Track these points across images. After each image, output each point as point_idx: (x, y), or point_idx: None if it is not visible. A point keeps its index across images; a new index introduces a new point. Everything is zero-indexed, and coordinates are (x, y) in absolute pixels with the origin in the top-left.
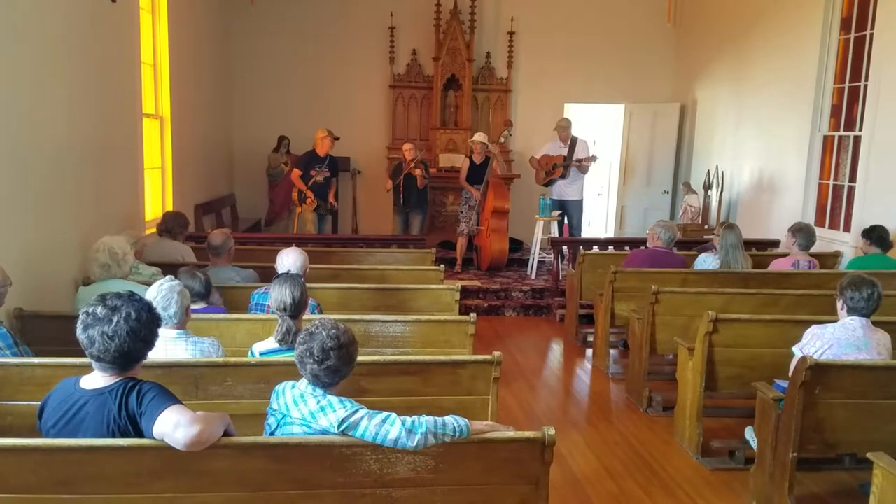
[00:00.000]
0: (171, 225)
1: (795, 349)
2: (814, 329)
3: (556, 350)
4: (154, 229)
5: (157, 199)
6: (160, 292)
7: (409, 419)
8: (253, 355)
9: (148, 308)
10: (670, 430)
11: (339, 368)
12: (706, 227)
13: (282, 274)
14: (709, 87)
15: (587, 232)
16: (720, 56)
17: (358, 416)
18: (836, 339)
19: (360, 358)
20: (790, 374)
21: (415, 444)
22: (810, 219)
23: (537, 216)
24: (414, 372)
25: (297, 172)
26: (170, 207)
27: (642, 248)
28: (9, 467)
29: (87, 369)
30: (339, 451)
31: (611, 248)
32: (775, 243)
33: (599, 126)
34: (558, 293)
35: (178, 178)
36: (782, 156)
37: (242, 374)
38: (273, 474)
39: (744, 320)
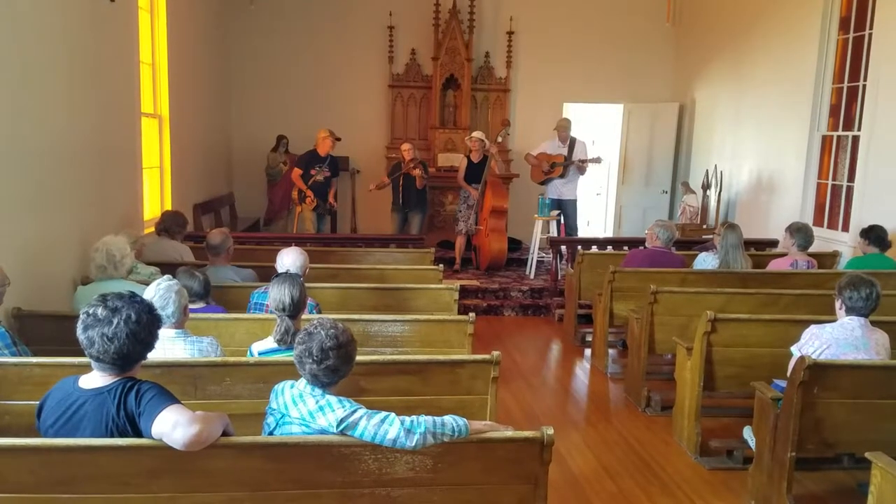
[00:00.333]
0: (169, 224)
1: (794, 349)
2: (812, 329)
3: (555, 350)
4: (153, 229)
5: (155, 199)
6: (158, 292)
7: (407, 419)
8: (252, 355)
9: (149, 310)
10: (669, 429)
11: (337, 368)
12: (705, 226)
13: (281, 273)
14: (708, 87)
15: (586, 232)
16: (719, 56)
17: (357, 415)
18: (834, 338)
19: (358, 357)
20: (789, 374)
21: (413, 443)
22: (809, 218)
23: (536, 216)
24: (413, 371)
25: (297, 171)
26: (168, 207)
27: (641, 247)
28: (7, 467)
29: (85, 369)
30: (338, 450)
31: (609, 247)
32: (774, 243)
33: (598, 126)
34: (557, 293)
35: (177, 178)
36: (781, 155)
37: (241, 373)
38: (272, 474)
39: (742, 320)
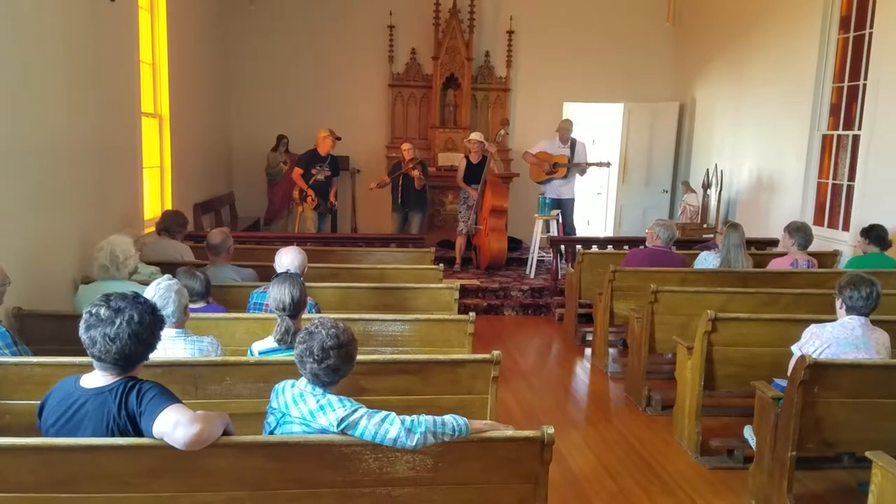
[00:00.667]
0: (169, 224)
1: (794, 348)
2: (812, 328)
3: (555, 349)
4: (153, 228)
5: (155, 198)
6: (158, 291)
7: (408, 418)
8: (252, 354)
9: (151, 311)
10: (669, 428)
11: (338, 367)
12: (705, 226)
13: (281, 273)
14: (708, 87)
15: (586, 231)
16: (719, 55)
17: (357, 415)
18: (834, 338)
19: (359, 357)
20: (789, 373)
21: (414, 443)
22: (809, 218)
23: (536, 215)
24: (413, 371)
25: (298, 171)
26: (169, 206)
27: (641, 247)
28: (8, 466)
29: (85, 369)
30: (339, 450)
31: (610, 247)
32: (774, 242)
33: (598, 125)
34: (557, 292)
35: (177, 177)
36: (781, 155)
37: (242, 373)
38: (272, 473)
39: (743, 319)
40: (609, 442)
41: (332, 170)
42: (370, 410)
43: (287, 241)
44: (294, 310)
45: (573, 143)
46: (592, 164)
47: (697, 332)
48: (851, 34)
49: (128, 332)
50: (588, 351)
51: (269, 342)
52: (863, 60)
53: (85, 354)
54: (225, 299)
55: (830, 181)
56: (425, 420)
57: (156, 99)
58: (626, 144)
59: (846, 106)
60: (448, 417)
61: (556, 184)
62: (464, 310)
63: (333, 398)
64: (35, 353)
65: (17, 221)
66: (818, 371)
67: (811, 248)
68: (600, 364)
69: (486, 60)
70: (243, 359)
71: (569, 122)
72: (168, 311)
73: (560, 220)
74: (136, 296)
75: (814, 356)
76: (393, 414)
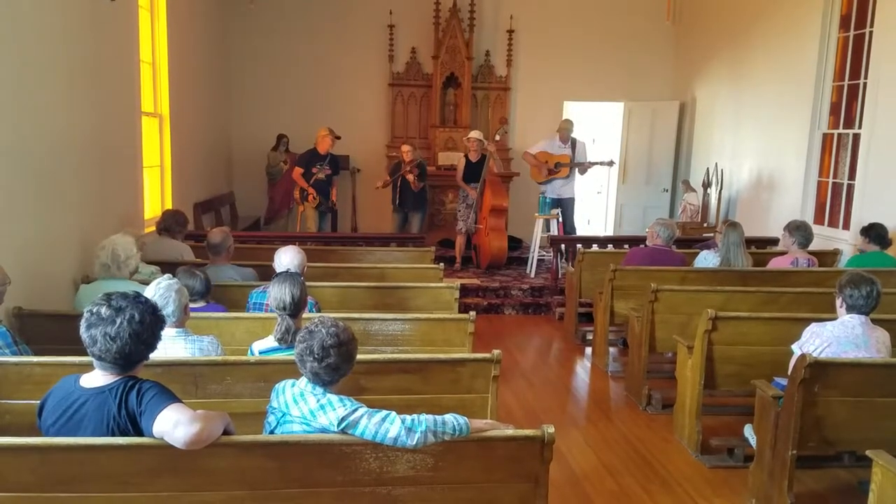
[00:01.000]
0: (170, 223)
1: (794, 347)
2: (813, 327)
3: (556, 348)
4: (153, 228)
5: (156, 198)
6: (158, 291)
7: (408, 418)
8: (252, 354)
9: (152, 311)
10: (669, 427)
11: (338, 366)
12: (705, 225)
13: (281, 273)
14: (708, 86)
15: (586, 230)
16: (719, 54)
17: (357, 414)
18: (835, 336)
19: (359, 356)
20: (789, 372)
21: (414, 442)
22: (809, 217)
23: (537, 214)
24: (413, 370)
25: (298, 170)
26: (169, 206)
27: (641, 246)
28: (8, 466)
29: (86, 368)
30: (339, 449)
31: (610, 246)
32: (774, 241)
33: (599, 124)
34: (558, 291)
35: (178, 177)
36: (781, 154)
37: (242, 372)
38: (273, 473)
39: (743, 318)
40: (609, 441)
41: (332, 168)
42: (370, 410)
43: (287, 241)
44: (294, 309)
45: (573, 143)
46: (596, 164)
47: (698, 331)
48: (852, 33)
49: (129, 331)
50: (588, 350)
51: (270, 341)
52: (863, 59)
53: (85, 354)
54: (225, 299)
55: (831, 180)
56: (426, 419)
57: (156, 98)
58: (626, 144)
59: (846, 105)
60: (448, 417)
61: (557, 183)
62: (464, 309)
63: (334, 397)
64: (35, 353)
65: (18, 221)
66: (818, 370)
67: (811, 247)
68: (601, 363)
69: (486, 59)
70: (243, 358)
71: (569, 122)
72: (168, 310)
73: (560, 220)
74: (138, 295)
75: (814, 355)
76: (393, 413)
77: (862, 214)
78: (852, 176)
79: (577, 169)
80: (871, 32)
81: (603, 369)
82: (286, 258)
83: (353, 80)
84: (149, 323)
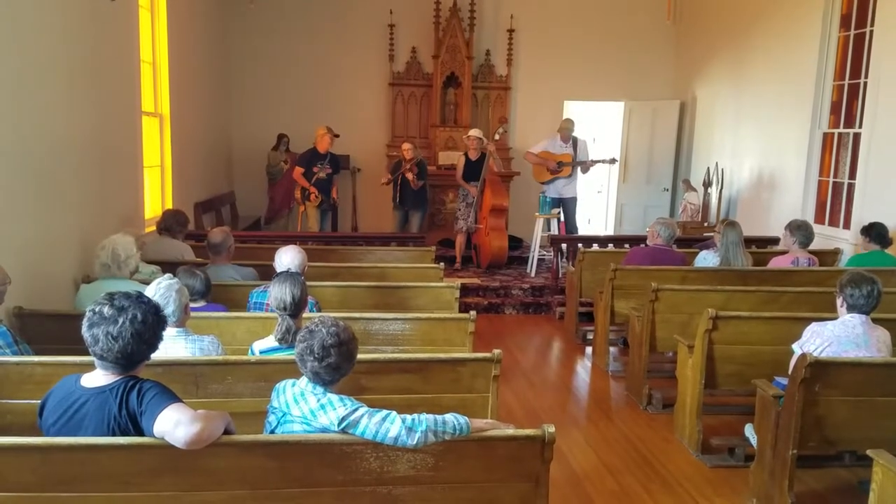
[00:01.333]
0: (170, 223)
1: (795, 346)
2: (813, 326)
3: (556, 348)
4: (153, 227)
5: (156, 198)
6: (158, 290)
7: (409, 417)
8: (253, 353)
9: (155, 311)
10: (670, 427)
11: (339, 366)
12: (706, 224)
13: (282, 272)
14: (708, 85)
15: (587, 230)
16: (720, 53)
17: (358, 414)
18: (835, 336)
19: (359, 356)
20: (790, 372)
21: (415, 441)
22: (810, 216)
23: (537, 213)
24: (414, 370)
25: (299, 170)
26: (169, 205)
27: (642, 245)
28: (9, 466)
29: (86, 368)
30: (340, 448)
31: (611, 245)
32: (775, 240)
33: (599, 124)
34: (558, 291)
35: (178, 176)
36: (782, 153)
37: (242, 372)
38: (273, 472)
39: (743, 317)
40: (610, 440)
41: (332, 167)
42: (371, 409)
43: (288, 241)
44: (295, 309)
45: (575, 142)
46: (598, 162)
47: (698, 331)
48: (852, 32)
49: (131, 331)
50: (589, 349)
51: (270, 341)
52: (863, 58)
53: (86, 354)
54: (225, 298)
55: (831, 179)
56: (426, 419)
57: (156, 98)
58: (626, 143)
59: (847, 104)
60: (449, 416)
61: (559, 183)
62: (464, 308)
63: (334, 397)
64: (36, 353)
65: (18, 221)
66: (819, 369)
67: (812, 246)
68: (601, 363)
69: (486, 59)
70: (244, 358)
71: (570, 122)
72: (169, 310)
73: (562, 219)
74: (140, 295)
75: (815, 354)
76: (394, 413)
77: (862, 214)
78: (853, 175)
79: (579, 168)
80: (871, 32)
81: (603, 369)
82: (287, 258)
83: (354, 80)
84: (151, 323)
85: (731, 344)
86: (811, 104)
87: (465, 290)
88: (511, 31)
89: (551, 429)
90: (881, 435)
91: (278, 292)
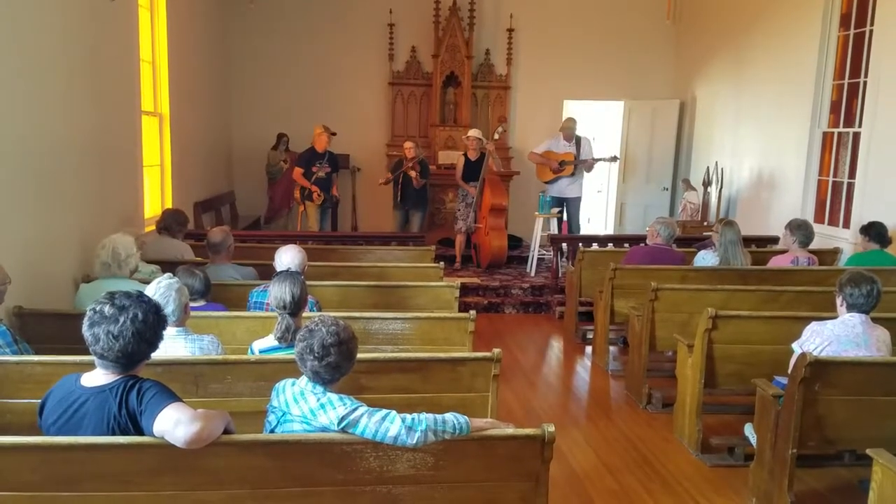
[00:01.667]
0: (170, 223)
1: (795, 346)
2: (813, 326)
3: (556, 347)
4: (153, 227)
5: (156, 197)
6: (158, 290)
7: (408, 416)
8: (253, 353)
9: (156, 310)
10: (670, 426)
11: (339, 365)
12: (705, 223)
13: (281, 272)
14: (708, 84)
15: (586, 229)
16: (720, 53)
17: (358, 413)
18: (835, 335)
19: (359, 355)
20: (790, 371)
21: (414, 441)
22: (810, 215)
23: (537, 213)
24: (413, 369)
25: (298, 170)
26: (169, 205)
27: (642, 244)
28: (9, 465)
29: (86, 367)
30: (339, 448)
31: (610, 245)
32: (775, 240)
33: (599, 123)
34: (558, 290)
35: (178, 176)
36: (782, 152)
37: (242, 371)
38: (273, 472)
39: (743, 317)
40: (610, 440)
41: (331, 166)
42: (370, 409)
43: (287, 240)
44: (294, 308)
45: (578, 141)
46: (600, 160)
47: (698, 330)
48: (852, 31)
49: (132, 330)
50: (588, 349)
51: (270, 340)
52: (863, 57)
53: (86, 353)
54: (225, 298)
55: (831, 178)
56: (426, 418)
57: (156, 98)
58: (626, 142)
59: (846, 103)
60: (449, 416)
61: (563, 182)
62: (464, 308)
63: (334, 396)
64: (36, 352)
65: (18, 220)
66: (819, 369)
67: (811, 246)
68: (601, 362)
69: (486, 58)
70: (244, 357)
71: (572, 121)
72: (168, 309)
73: (565, 218)
74: (141, 294)
75: (814, 354)
76: (393, 412)
77: (862, 213)
78: (852, 174)
79: (583, 167)
80: (871, 31)
81: (603, 368)
82: (287, 257)
83: (353, 80)
84: (152, 322)
85: (730, 343)
86: (811, 103)
87: (464, 290)
88: (511, 30)
89: (551, 428)
90: (881, 434)
91: (278, 291)
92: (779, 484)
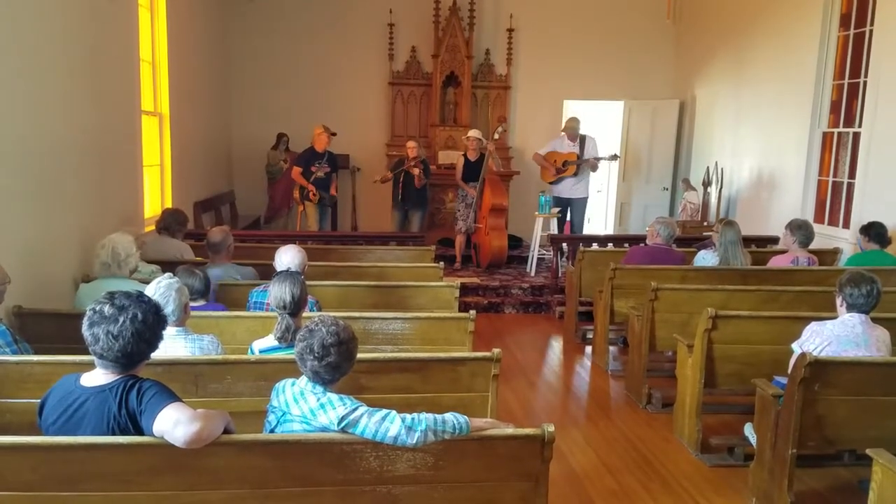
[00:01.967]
0: (169, 222)
1: (795, 346)
2: (813, 326)
3: (556, 347)
4: (153, 226)
5: (156, 197)
6: (158, 290)
7: (408, 416)
8: (253, 353)
9: (155, 310)
10: (670, 426)
11: (339, 365)
12: (705, 223)
13: (281, 272)
14: (708, 84)
15: (586, 229)
16: (720, 53)
17: (357, 413)
18: (835, 335)
19: (359, 355)
20: (789, 371)
21: (414, 441)
22: (809, 215)
23: (537, 213)
24: (413, 369)
25: (297, 170)
26: (169, 205)
27: (642, 244)
28: (9, 465)
29: (86, 367)
30: (339, 448)
31: (610, 245)
32: (775, 240)
33: (599, 123)
34: (558, 290)
35: (178, 176)
36: (782, 152)
37: (242, 371)
38: (273, 471)
39: (743, 317)
40: (609, 440)
41: (330, 166)
42: (370, 409)
43: (287, 240)
44: (294, 308)
45: (583, 140)
46: (601, 159)
47: (698, 330)
48: (852, 31)
49: (131, 330)
50: (588, 349)
51: (270, 340)
52: (863, 58)
53: (85, 353)
54: (225, 297)
55: (831, 178)
56: (426, 418)
57: (156, 97)
58: (626, 142)
59: (846, 103)
60: (448, 415)
61: (567, 183)
62: (464, 308)
63: (334, 396)
64: (36, 352)
65: (18, 220)
66: (819, 369)
67: (811, 246)
68: (601, 362)
69: (486, 58)
70: (244, 357)
71: (575, 121)
72: (168, 309)
73: (568, 218)
74: (141, 294)
75: (814, 354)
76: (393, 412)
77: (862, 213)
78: (852, 174)
79: (586, 166)
80: (871, 31)
81: (603, 368)
82: (286, 257)
83: (353, 80)
84: (151, 322)
85: (730, 343)
86: (811, 103)
87: (464, 290)
88: (511, 30)
89: (551, 428)
90: (881, 434)
91: (278, 291)
92: (779, 484)
